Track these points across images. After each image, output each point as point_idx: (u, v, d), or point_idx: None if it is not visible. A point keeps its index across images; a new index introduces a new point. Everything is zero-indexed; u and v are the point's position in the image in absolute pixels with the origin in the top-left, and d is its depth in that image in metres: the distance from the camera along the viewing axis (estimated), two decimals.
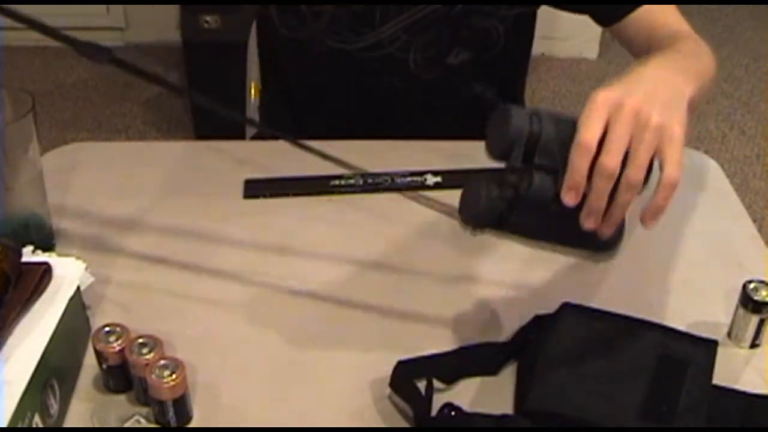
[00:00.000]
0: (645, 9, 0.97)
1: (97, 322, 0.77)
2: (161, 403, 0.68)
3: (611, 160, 0.65)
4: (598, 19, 1.02)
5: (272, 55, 1.21)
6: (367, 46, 1.05)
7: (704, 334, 0.74)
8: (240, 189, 0.97)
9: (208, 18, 2.26)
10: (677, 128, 0.66)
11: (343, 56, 1.06)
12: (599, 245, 0.73)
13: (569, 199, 0.66)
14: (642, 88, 0.68)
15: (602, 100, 0.66)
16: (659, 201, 0.67)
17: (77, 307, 0.75)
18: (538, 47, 1.06)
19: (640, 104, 0.66)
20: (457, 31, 1.04)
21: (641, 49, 0.96)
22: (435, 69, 1.06)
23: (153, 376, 0.67)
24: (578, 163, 0.65)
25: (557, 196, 0.67)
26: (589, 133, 0.65)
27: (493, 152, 0.69)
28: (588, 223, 0.67)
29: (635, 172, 0.65)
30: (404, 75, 1.06)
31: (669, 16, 0.97)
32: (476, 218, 0.70)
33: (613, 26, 1.00)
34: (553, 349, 0.72)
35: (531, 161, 0.68)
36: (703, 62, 0.87)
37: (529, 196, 0.68)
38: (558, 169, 0.67)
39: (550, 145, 0.68)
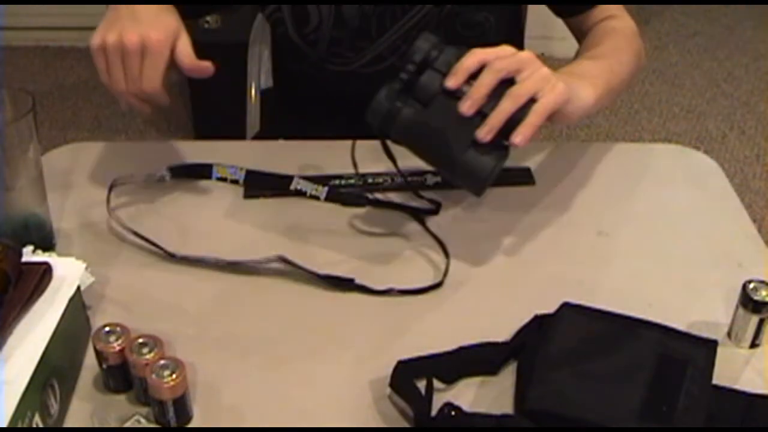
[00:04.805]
0: (599, 7, 1.05)
1: (97, 322, 0.78)
2: (161, 403, 0.68)
3: (503, 62, 0.79)
4: (558, 11, 1.09)
5: (278, 66, 1.23)
6: (368, 62, 1.05)
7: (704, 334, 0.74)
8: (240, 189, 0.97)
9: (208, 18, 2.26)
10: (563, 87, 0.80)
11: (345, 77, 1.06)
12: (468, 178, 0.81)
13: (452, 82, 0.78)
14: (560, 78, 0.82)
15: (528, 53, 0.81)
16: (531, 119, 0.78)
17: (77, 307, 0.75)
18: (537, 47, 1.07)
19: (549, 72, 0.80)
20: (452, 28, 1.04)
21: (583, 38, 1.07)
22: None
23: (153, 376, 0.67)
24: (470, 59, 0.79)
25: (443, 92, 0.79)
26: (477, 54, 0.79)
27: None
28: (465, 106, 0.78)
29: (519, 88, 0.78)
30: None
31: (615, 12, 1.06)
32: (373, 112, 0.81)
33: (569, 19, 1.09)
34: (553, 349, 0.72)
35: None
36: (620, 68, 0.97)
37: (419, 85, 0.80)
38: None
39: (450, 59, 0.80)
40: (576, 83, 0.86)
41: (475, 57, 0.79)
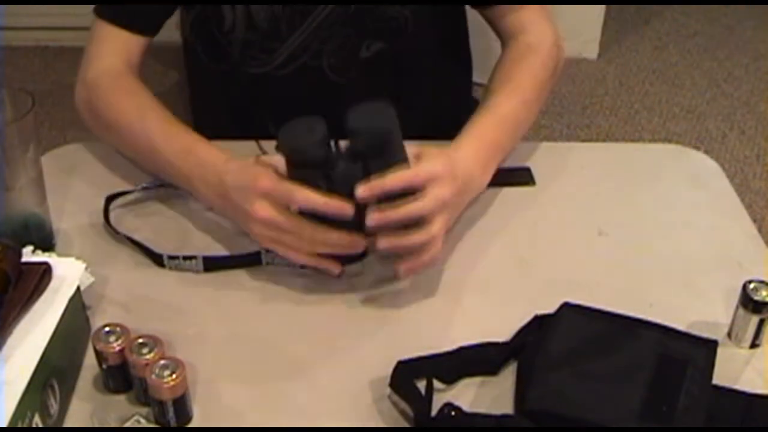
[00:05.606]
0: (511, 6, 1.05)
1: (97, 322, 0.78)
2: (161, 403, 0.68)
3: (413, 207, 0.77)
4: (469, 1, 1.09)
5: (202, 84, 1.23)
6: (282, 62, 1.04)
7: (704, 334, 0.74)
8: None
9: None
10: (436, 252, 0.81)
11: (265, 81, 1.05)
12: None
13: (363, 193, 0.75)
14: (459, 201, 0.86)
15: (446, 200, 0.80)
16: (396, 267, 0.80)
17: (77, 307, 0.75)
18: None
19: (439, 231, 0.79)
20: (364, 23, 1.03)
21: (500, 34, 1.07)
22: (351, 68, 1.05)
23: (153, 376, 0.67)
24: (396, 181, 0.76)
25: (351, 191, 0.75)
26: (423, 173, 0.78)
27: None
28: (370, 221, 0.76)
29: (405, 242, 0.78)
30: (321, 84, 1.05)
31: (532, 16, 1.06)
32: (285, 144, 0.77)
33: (482, 12, 1.08)
34: (553, 349, 0.73)
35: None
36: (527, 116, 0.99)
37: (337, 171, 0.77)
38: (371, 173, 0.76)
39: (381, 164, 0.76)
40: (476, 179, 0.89)
41: (401, 181, 0.77)
